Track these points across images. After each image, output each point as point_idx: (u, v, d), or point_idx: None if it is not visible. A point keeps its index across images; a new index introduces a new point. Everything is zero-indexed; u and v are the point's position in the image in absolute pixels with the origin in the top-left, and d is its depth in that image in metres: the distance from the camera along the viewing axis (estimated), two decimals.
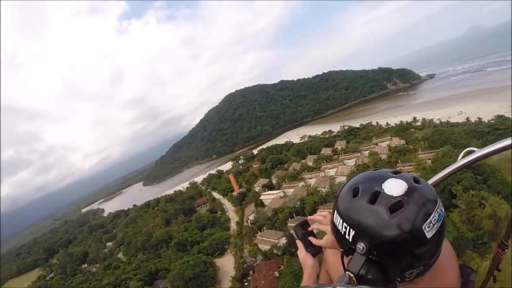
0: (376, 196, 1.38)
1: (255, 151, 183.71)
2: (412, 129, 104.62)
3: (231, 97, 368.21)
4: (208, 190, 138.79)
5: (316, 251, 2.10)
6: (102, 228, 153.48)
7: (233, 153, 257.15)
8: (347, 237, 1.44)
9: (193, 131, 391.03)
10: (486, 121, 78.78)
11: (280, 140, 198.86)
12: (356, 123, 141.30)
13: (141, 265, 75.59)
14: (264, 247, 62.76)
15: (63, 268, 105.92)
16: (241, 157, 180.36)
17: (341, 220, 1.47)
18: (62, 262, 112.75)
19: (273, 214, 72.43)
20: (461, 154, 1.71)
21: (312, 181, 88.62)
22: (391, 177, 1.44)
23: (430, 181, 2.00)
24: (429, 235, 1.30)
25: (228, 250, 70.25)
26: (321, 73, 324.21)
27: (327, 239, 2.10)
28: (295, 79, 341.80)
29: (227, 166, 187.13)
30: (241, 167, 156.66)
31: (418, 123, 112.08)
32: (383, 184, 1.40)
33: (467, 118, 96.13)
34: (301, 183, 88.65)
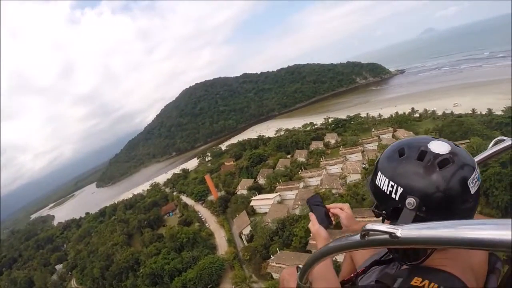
0: (423, 154, 1.44)
1: (222, 147, 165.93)
2: (410, 121, 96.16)
3: (190, 90, 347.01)
4: (175, 193, 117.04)
5: (326, 225, 2.14)
6: (51, 243, 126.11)
7: (195, 150, 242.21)
8: (393, 195, 1.47)
9: (149, 127, 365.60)
10: (499, 113, 75.59)
11: (248, 134, 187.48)
12: (335, 116, 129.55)
13: None
14: None
15: None
16: (208, 153, 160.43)
17: (386, 180, 1.51)
18: None
19: (281, 226, 53.50)
20: (492, 142, 1.71)
21: (314, 181, 72.55)
22: (434, 139, 1.53)
23: None
24: (472, 190, 1.39)
25: (233, 286, 48.65)
26: (286, 66, 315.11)
27: (346, 215, 2.26)
28: (259, 72, 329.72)
29: (191, 164, 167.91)
30: (210, 164, 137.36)
31: (416, 115, 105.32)
32: (428, 145, 1.48)
33: (473, 110, 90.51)
34: (301, 184, 71.30)
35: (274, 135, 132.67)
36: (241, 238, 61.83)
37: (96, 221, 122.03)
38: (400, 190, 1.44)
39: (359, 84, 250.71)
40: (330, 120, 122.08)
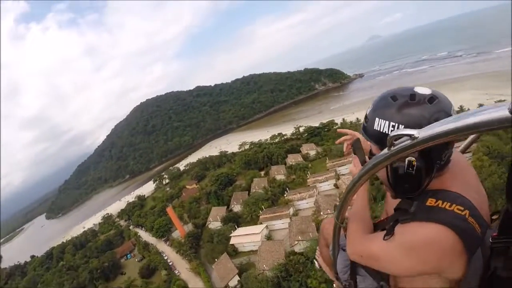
0: (414, 96, 1.63)
1: (180, 167, 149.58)
2: None
3: (142, 107, 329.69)
4: (132, 227, 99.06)
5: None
6: None
7: (150, 171, 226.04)
8: None
9: (99, 149, 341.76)
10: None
11: (207, 151, 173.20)
12: (303, 124, 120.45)
13: None
14: None
15: None
16: (165, 175, 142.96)
17: (386, 122, 1.68)
18: None
19: (284, 275, 38.59)
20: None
21: (305, 204, 59.92)
22: (416, 86, 1.72)
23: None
24: None
25: None
26: (241, 76, 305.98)
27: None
28: (213, 85, 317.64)
29: (147, 189, 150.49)
30: (168, 189, 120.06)
31: None
32: (414, 89, 1.67)
33: (461, 107, 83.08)
34: (290, 209, 57.14)
35: (238, 150, 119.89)
36: None
37: (43, 268, 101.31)
38: (401, 127, 1.60)
39: (319, 90, 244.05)
40: (301, 129, 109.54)
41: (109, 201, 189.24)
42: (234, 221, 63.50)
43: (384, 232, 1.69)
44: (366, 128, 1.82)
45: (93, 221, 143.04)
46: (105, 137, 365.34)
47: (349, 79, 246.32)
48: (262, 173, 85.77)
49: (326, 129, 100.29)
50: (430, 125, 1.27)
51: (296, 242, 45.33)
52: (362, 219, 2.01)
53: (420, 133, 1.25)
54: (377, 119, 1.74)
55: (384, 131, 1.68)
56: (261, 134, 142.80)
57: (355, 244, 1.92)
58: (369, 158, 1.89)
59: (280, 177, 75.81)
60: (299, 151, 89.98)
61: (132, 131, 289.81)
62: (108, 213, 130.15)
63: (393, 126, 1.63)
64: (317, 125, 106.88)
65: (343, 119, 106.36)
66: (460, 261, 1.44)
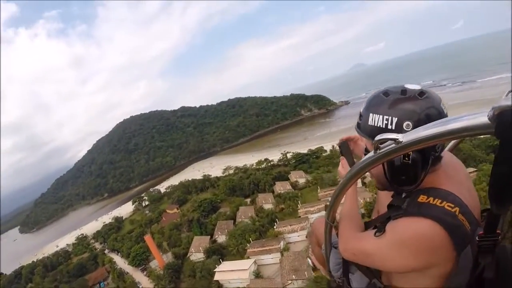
0: (405, 91, 1.72)
1: (161, 188, 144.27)
2: None
3: (125, 124, 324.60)
4: (107, 252, 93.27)
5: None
6: None
7: (130, 191, 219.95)
8: (389, 126, 1.71)
9: (79, 164, 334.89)
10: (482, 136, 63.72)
11: (189, 173, 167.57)
12: (289, 150, 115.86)
13: None
14: None
15: None
16: (145, 197, 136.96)
17: (380, 117, 1.75)
18: None
19: None
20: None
21: (296, 236, 55.54)
22: (405, 84, 1.81)
23: None
24: (445, 112, 1.68)
25: None
26: (226, 99, 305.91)
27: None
28: (198, 106, 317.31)
29: (125, 209, 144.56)
30: (148, 212, 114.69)
31: None
32: (405, 85, 1.77)
33: None
34: (281, 243, 53.17)
35: (222, 175, 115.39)
36: None
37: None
38: (395, 120, 1.67)
39: (305, 116, 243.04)
40: (288, 155, 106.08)
41: (86, 220, 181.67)
42: (218, 253, 58.71)
43: (376, 229, 1.75)
44: (360, 124, 1.88)
45: (67, 240, 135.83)
46: (86, 152, 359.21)
47: (335, 106, 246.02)
48: (248, 200, 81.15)
49: (314, 156, 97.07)
50: (414, 129, 1.36)
51: (289, 281, 41.28)
52: (352, 218, 2.06)
53: (404, 138, 1.32)
54: (371, 114, 1.80)
55: (378, 125, 1.75)
56: (246, 159, 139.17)
57: (347, 242, 1.96)
58: (365, 154, 1.81)
59: (268, 206, 71.71)
60: (288, 179, 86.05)
61: (113, 148, 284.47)
62: (83, 234, 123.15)
63: (387, 120, 1.70)
64: (305, 151, 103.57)
65: (333, 146, 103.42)
66: (449, 257, 1.48)
